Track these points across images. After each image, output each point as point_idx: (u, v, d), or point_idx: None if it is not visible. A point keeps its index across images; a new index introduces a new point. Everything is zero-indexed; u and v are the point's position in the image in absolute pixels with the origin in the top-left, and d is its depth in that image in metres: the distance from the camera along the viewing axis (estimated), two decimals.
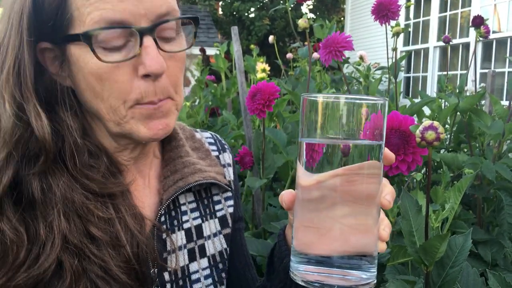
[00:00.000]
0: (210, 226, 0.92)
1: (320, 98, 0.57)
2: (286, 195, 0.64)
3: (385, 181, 0.62)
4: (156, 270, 0.81)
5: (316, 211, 0.58)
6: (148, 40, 0.70)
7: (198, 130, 1.03)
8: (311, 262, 0.59)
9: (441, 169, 1.56)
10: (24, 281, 0.67)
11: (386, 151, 0.63)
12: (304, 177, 0.59)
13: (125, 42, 0.70)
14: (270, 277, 0.84)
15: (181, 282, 0.85)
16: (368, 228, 0.58)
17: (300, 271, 0.59)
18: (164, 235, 0.84)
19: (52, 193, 0.71)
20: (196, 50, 4.10)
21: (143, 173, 0.87)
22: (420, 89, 8.46)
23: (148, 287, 0.79)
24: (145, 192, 0.86)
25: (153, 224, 0.82)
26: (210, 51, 5.34)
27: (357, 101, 0.56)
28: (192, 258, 0.88)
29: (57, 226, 0.69)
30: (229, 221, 0.95)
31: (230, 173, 0.99)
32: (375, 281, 0.60)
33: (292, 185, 1.95)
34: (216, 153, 0.99)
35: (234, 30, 1.89)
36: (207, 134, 1.03)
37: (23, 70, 0.71)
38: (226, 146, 1.03)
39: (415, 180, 1.51)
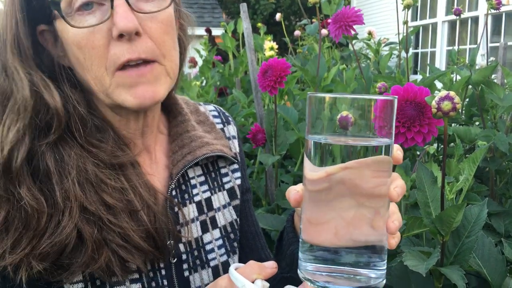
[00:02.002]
0: (219, 198, 0.94)
1: (327, 96, 0.55)
2: (293, 194, 0.64)
3: (396, 175, 0.62)
4: (172, 241, 0.84)
5: (324, 203, 0.57)
6: (118, 1, 0.70)
7: (201, 103, 1.03)
8: (318, 260, 0.58)
9: (454, 143, 1.56)
10: (49, 248, 0.69)
11: (395, 150, 0.61)
12: (311, 170, 0.58)
13: (100, 5, 0.71)
14: (278, 258, 0.86)
15: (196, 253, 0.88)
16: (376, 222, 0.57)
17: (308, 270, 0.59)
18: (176, 208, 0.86)
19: (65, 163, 0.73)
20: (201, 31, 4.08)
21: (149, 148, 0.88)
22: (428, 64, 8.38)
23: (166, 257, 0.81)
24: (153, 167, 0.88)
25: (165, 197, 0.84)
26: (216, 32, 5.30)
27: (366, 98, 0.55)
28: (204, 229, 0.90)
29: (73, 194, 0.71)
30: (238, 192, 0.97)
31: (235, 145, 1.00)
32: (385, 281, 0.59)
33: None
34: (221, 126, 1.00)
35: (243, 7, 1.87)
36: (211, 107, 1.04)
37: (22, 46, 0.73)
38: (230, 119, 1.04)
39: (427, 154, 1.51)
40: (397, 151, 0.62)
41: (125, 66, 0.72)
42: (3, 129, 0.71)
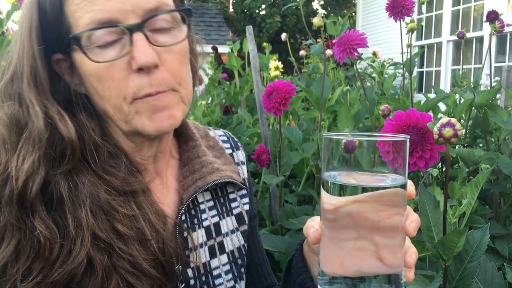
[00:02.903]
0: (228, 224, 0.94)
1: (342, 138, 0.58)
2: (312, 232, 0.64)
3: (409, 209, 0.63)
4: (180, 266, 0.84)
5: (340, 234, 0.59)
6: (137, 36, 0.72)
7: (211, 128, 1.05)
8: None
9: (457, 165, 1.56)
10: (60, 277, 0.70)
11: (408, 185, 0.62)
12: (328, 201, 0.59)
13: (118, 39, 0.73)
14: (286, 286, 0.86)
15: (203, 278, 0.88)
16: (392, 255, 0.58)
17: None
18: (185, 233, 0.86)
19: (78, 191, 0.74)
20: (208, 49, 4.12)
21: (160, 173, 0.89)
22: (433, 83, 8.39)
23: (173, 283, 0.81)
24: (163, 191, 0.88)
25: (175, 222, 0.85)
26: (222, 49, 5.35)
27: (378, 139, 0.57)
28: (212, 254, 0.90)
29: (85, 222, 0.72)
30: (246, 218, 0.98)
31: (244, 171, 1.01)
32: None
33: (308, 182, 1.97)
34: (230, 151, 1.01)
35: (249, 29, 1.90)
36: (220, 132, 1.05)
37: (38, 77, 0.75)
38: (239, 144, 1.05)
39: (431, 176, 1.52)
40: (410, 187, 0.63)
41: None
42: (17, 159, 0.72)
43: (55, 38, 0.75)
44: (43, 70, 0.75)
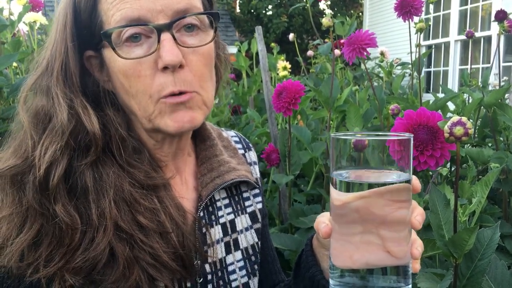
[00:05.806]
0: (242, 221, 0.97)
1: (349, 137, 0.60)
2: (323, 227, 0.65)
3: (415, 204, 0.65)
4: (199, 261, 0.86)
5: (348, 229, 0.61)
6: (165, 35, 0.74)
7: (223, 129, 1.07)
8: (345, 285, 0.62)
9: (467, 164, 1.57)
10: (81, 263, 0.72)
11: (414, 181, 0.65)
12: (336, 197, 0.62)
13: (146, 37, 0.75)
14: (296, 280, 0.88)
15: (219, 273, 0.90)
16: (399, 248, 0.60)
17: None
18: (204, 229, 0.88)
19: (103, 182, 0.76)
20: None
21: (179, 170, 0.91)
22: (441, 83, 8.36)
23: (193, 277, 0.83)
24: (182, 188, 0.91)
25: (194, 218, 0.87)
26: (229, 50, 5.36)
27: (384, 138, 0.60)
28: (228, 251, 0.92)
29: (108, 212, 0.74)
30: (259, 216, 1.00)
31: (256, 171, 1.04)
32: None
33: (316, 182, 1.98)
34: (242, 151, 1.04)
35: (258, 30, 1.92)
36: (232, 133, 1.08)
37: (69, 72, 0.78)
38: (250, 145, 1.08)
39: (440, 175, 1.52)
40: (415, 181, 0.65)
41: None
42: (41, 149, 0.75)
43: (88, 35, 0.78)
44: (75, 66, 0.78)
